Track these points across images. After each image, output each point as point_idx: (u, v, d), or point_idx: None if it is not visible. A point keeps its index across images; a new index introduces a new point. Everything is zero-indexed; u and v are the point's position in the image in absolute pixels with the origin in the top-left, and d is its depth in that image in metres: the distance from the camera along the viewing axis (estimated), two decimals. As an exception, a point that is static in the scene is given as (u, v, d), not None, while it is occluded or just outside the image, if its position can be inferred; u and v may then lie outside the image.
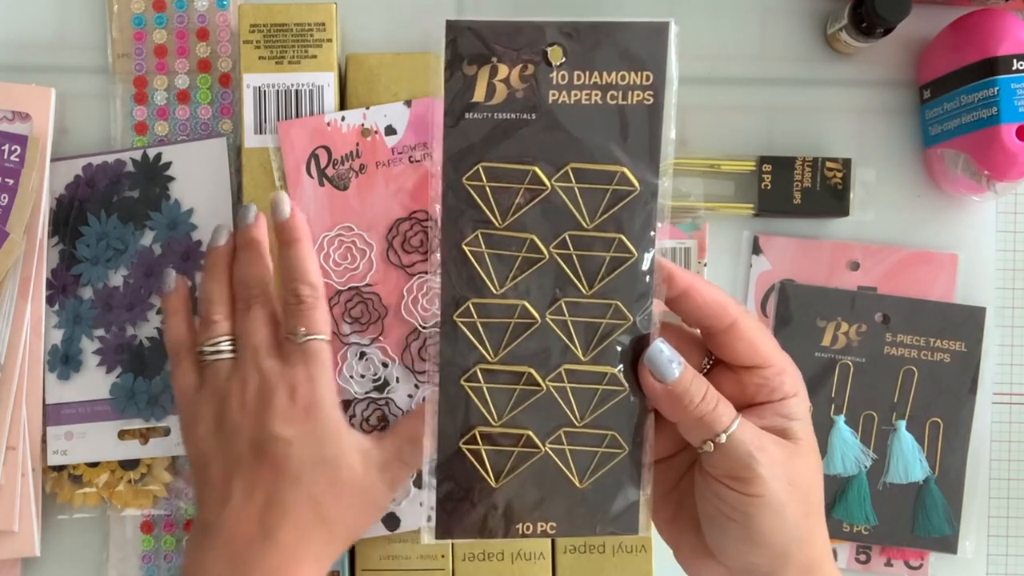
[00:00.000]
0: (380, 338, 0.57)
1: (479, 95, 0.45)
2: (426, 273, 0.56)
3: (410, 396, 0.56)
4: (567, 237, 0.46)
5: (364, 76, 0.59)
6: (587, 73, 0.45)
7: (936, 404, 0.63)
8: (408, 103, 0.57)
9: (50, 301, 0.61)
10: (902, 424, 0.63)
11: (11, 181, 0.60)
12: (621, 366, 0.47)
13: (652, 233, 0.46)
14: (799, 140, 0.64)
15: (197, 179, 0.61)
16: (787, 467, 0.45)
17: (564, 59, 0.45)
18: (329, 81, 0.58)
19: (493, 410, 0.47)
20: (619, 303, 0.47)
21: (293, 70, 0.58)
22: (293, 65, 0.58)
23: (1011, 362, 0.64)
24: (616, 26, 0.45)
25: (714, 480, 0.45)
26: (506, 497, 0.47)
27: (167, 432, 0.61)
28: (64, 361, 0.61)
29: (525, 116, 0.46)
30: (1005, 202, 0.65)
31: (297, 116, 0.59)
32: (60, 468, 0.61)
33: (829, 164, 0.63)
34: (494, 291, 0.47)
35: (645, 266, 0.46)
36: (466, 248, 0.46)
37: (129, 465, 0.61)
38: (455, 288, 0.47)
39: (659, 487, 0.49)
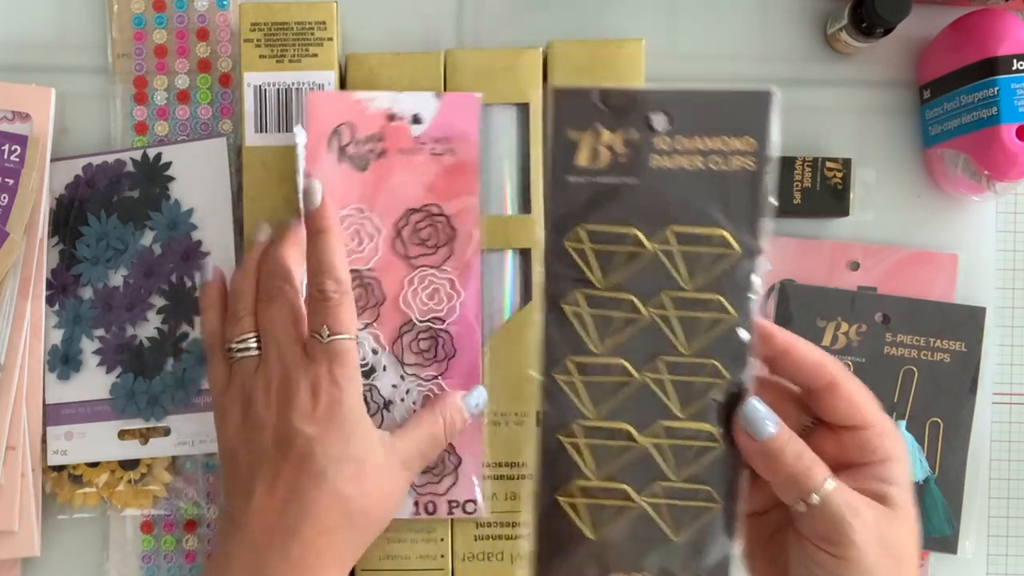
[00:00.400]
0: (374, 324, 0.56)
1: (582, 159, 0.47)
2: (429, 267, 0.56)
3: (394, 386, 0.56)
4: (666, 297, 0.47)
5: (364, 76, 0.59)
6: (690, 139, 0.47)
7: (936, 404, 0.63)
8: (439, 95, 0.57)
9: (50, 301, 0.61)
10: (902, 424, 0.63)
11: (11, 181, 0.60)
12: (717, 423, 0.48)
13: (750, 294, 0.47)
14: (799, 140, 0.64)
15: (197, 179, 0.61)
16: (881, 532, 0.44)
17: (668, 125, 0.46)
18: (330, 80, 0.58)
19: (590, 464, 0.48)
20: (716, 362, 0.47)
21: (294, 69, 0.58)
22: (294, 64, 0.58)
23: (1011, 362, 0.64)
24: (720, 94, 0.47)
25: (806, 541, 0.45)
26: (602, 549, 0.48)
27: (167, 432, 0.61)
28: (64, 361, 0.61)
29: (627, 180, 0.47)
30: (1005, 202, 0.65)
31: (297, 115, 0.58)
32: (60, 468, 0.61)
33: (829, 164, 0.63)
34: (593, 350, 0.48)
35: (743, 326, 0.47)
36: (566, 307, 0.48)
37: (129, 465, 0.61)
38: (555, 346, 0.48)
39: (752, 541, 0.49)
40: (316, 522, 0.49)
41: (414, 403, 0.56)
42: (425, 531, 0.58)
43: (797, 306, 0.63)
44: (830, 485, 0.44)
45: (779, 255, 0.64)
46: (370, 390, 0.56)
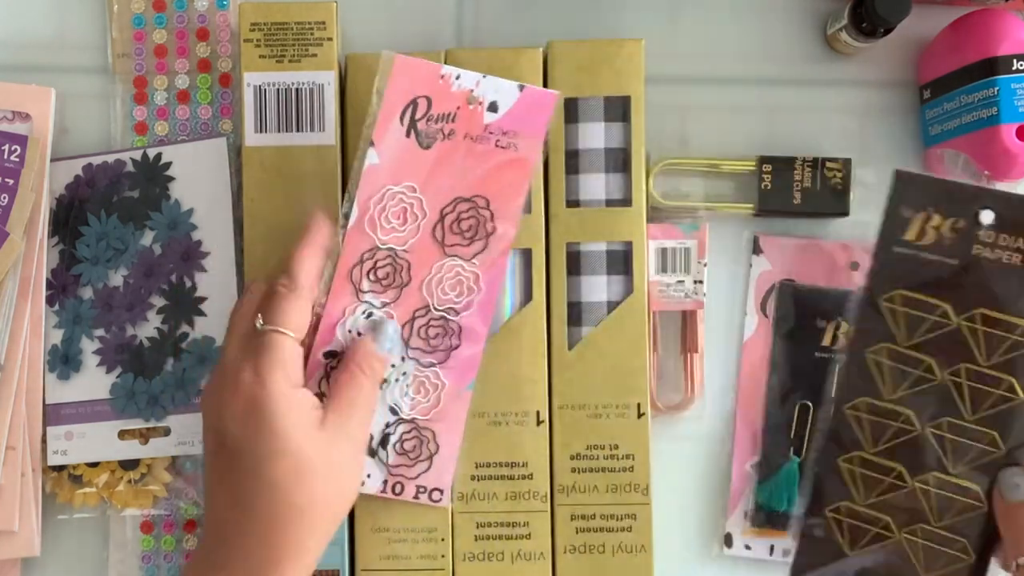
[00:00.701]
0: (392, 304, 0.56)
1: (911, 235, 0.55)
2: (460, 258, 0.55)
3: (393, 366, 0.56)
4: (962, 368, 0.54)
5: (364, 76, 0.59)
6: (1012, 238, 0.54)
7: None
8: (522, 87, 0.55)
9: (50, 301, 0.61)
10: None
11: (11, 181, 0.60)
12: (984, 487, 0.55)
13: None
14: (799, 140, 0.64)
15: (197, 179, 0.61)
16: None
17: (993, 222, 0.54)
18: (330, 80, 0.58)
19: (861, 491, 0.56)
20: (996, 434, 0.54)
21: (294, 68, 0.58)
22: (294, 64, 0.58)
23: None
24: None
25: None
26: (856, 565, 0.56)
27: (167, 432, 0.61)
28: (64, 361, 0.61)
29: (948, 261, 0.54)
30: (1005, 202, 0.65)
31: (297, 115, 0.58)
32: (60, 468, 0.61)
33: (829, 164, 0.63)
34: (885, 396, 0.55)
35: None
36: (869, 355, 0.56)
37: (129, 465, 0.61)
38: (852, 384, 0.56)
39: None
40: (261, 520, 0.49)
41: (408, 386, 0.56)
42: (425, 531, 0.58)
43: (797, 306, 0.63)
44: None
45: (779, 255, 0.64)
46: None
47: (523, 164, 0.55)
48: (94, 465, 0.61)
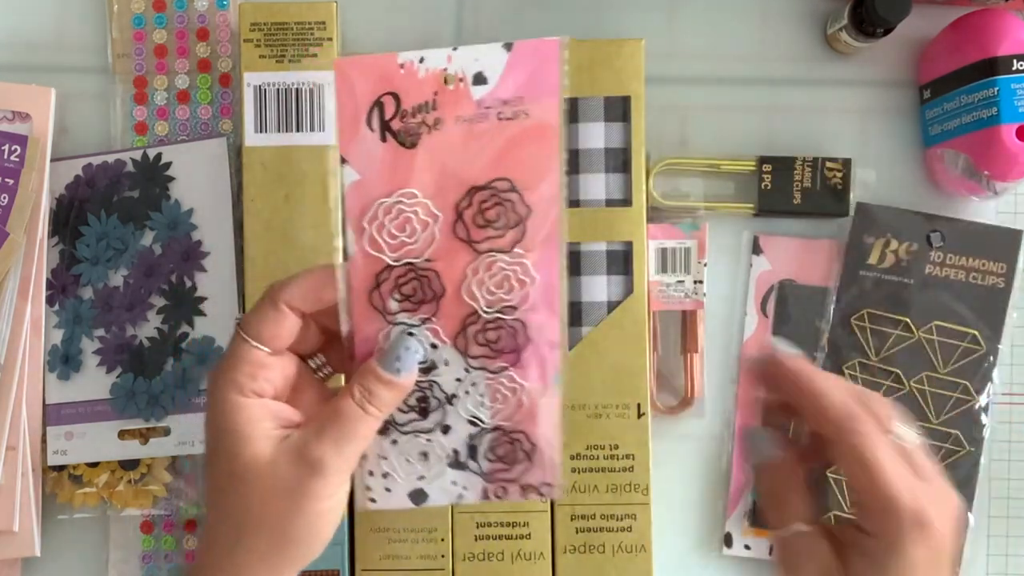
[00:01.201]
0: (433, 319, 0.49)
1: (873, 259, 0.62)
2: (497, 251, 0.48)
3: (458, 380, 0.50)
4: (924, 376, 0.62)
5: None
6: (957, 256, 0.62)
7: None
8: (508, 45, 0.47)
9: (50, 301, 0.61)
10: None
11: (11, 181, 0.60)
12: (953, 484, 0.57)
13: (989, 384, 0.62)
14: (799, 140, 0.64)
15: (197, 179, 0.61)
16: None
17: (941, 243, 0.62)
18: (329, 80, 0.58)
19: (847, 500, 0.61)
20: (959, 433, 0.62)
21: (294, 68, 0.58)
22: (294, 64, 0.58)
23: (1011, 363, 0.64)
24: (982, 227, 0.63)
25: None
26: None
27: (167, 432, 0.61)
28: (64, 361, 0.61)
29: (905, 280, 0.62)
30: (1005, 202, 0.65)
31: (297, 115, 0.58)
32: (60, 468, 0.61)
33: (829, 164, 0.63)
34: None
35: (980, 408, 0.62)
36: (846, 370, 0.62)
37: (129, 465, 0.61)
38: None
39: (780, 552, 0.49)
40: (215, 544, 0.46)
41: (481, 395, 0.50)
42: (425, 531, 0.58)
43: (797, 306, 0.63)
44: (795, 529, 0.46)
45: (779, 255, 0.64)
46: (430, 386, 0.50)
47: (542, 130, 0.48)
48: (94, 465, 0.61)
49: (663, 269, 0.62)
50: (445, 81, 0.47)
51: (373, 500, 0.51)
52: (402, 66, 0.47)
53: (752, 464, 0.49)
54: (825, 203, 0.63)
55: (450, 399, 0.50)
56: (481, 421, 0.50)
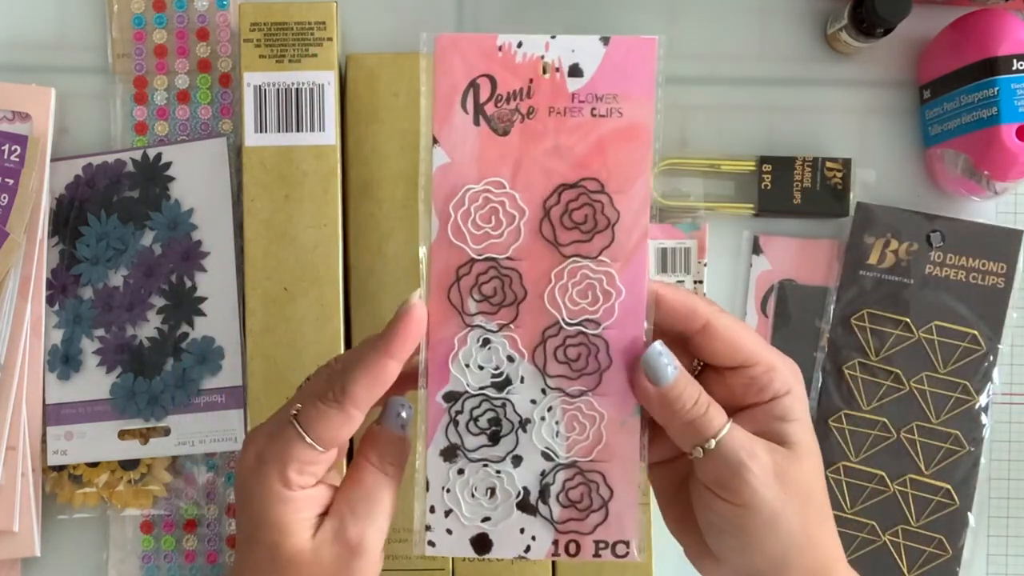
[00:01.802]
0: (511, 325, 0.46)
1: (873, 259, 0.62)
2: (583, 257, 0.46)
3: (533, 401, 0.46)
4: (924, 376, 0.62)
5: (364, 76, 0.59)
6: (957, 256, 0.62)
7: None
8: (606, 40, 0.45)
9: (50, 301, 0.61)
10: (902, 424, 0.64)
11: (11, 181, 0.60)
12: (953, 483, 0.61)
13: (989, 384, 0.62)
14: (799, 140, 0.64)
15: (197, 179, 0.61)
16: (780, 475, 0.43)
17: (941, 243, 0.62)
18: (329, 80, 0.58)
19: (847, 500, 0.62)
20: (959, 434, 0.62)
21: (294, 68, 0.58)
22: (294, 64, 0.58)
23: (1011, 363, 0.64)
24: (982, 227, 0.63)
25: (706, 490, 0.44)
26: None
27: (167, 432, 0.61)
28: (64, 361, 0.61)
29: (905, 280, 0.62)
30: (1005, 202, 0.65)
31: (297, 115, 0.58)
32: (60, 468, 0.61)
33: (829, 164, 0.63)
34: (862, 407, 0.62)
35: (980, 408, 0.62)
36: (846, 370, 0.62)
37: (129, 465, 0.61)
38: (832, 399, 0.62)
39: (666, 488, 0.48)
40: None
41: (557, 423, 0.46)
42: (425, 531, 0.58)
43: (797, 306, 0.63)
44: (726, 430, 0.43)
45: (779, 255, 0.64)
46: (504, 406, 0.47)
47: (635, 131, 0.45)
48: (94, 465, 0.61)
49: (663, 269, 0.62)
50: (543, 70, 0.45)
51: (432, 544, 0.47)
52: (500, 48, 0.45)
53: (660, 385, 0.44)
54: (825, 203, 0.63)
55: (523, 424, 0.47)
56: (556, 454, 0.47)
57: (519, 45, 0.45)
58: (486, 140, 0.46)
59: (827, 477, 0.59)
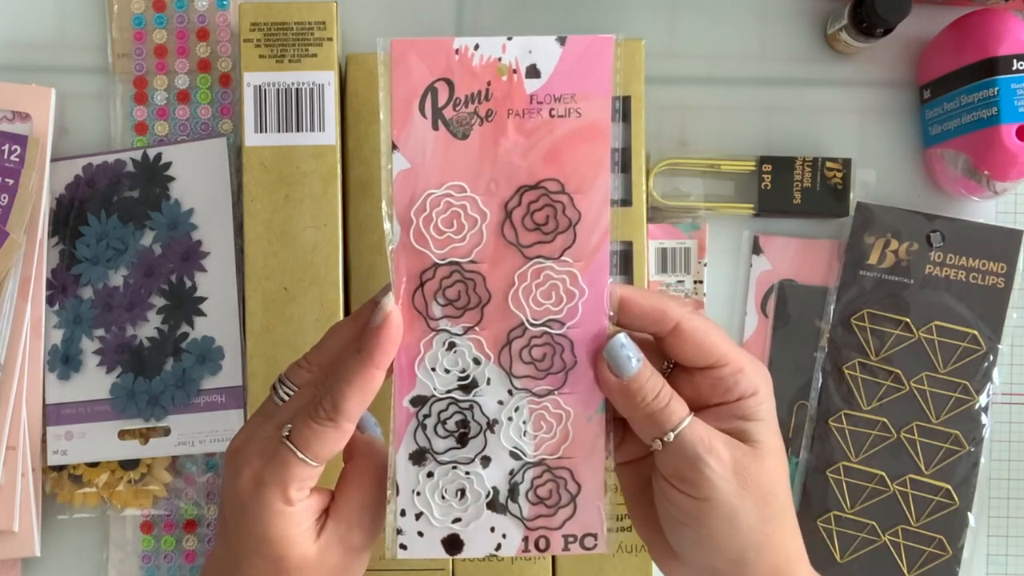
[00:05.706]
0: (476, 328, 0.47)
1: (873, 259, 0.62)
2: (546, 258, 0.46)
3: (500, 403, 0.47)
4: (924, 376, 0.62)
5: (364, 76, 0.59)
6: (957, 256, 0.62)
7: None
8: (562, 40, 0.45)
9: (50, 301, 0.61)
10: (902, 424, 0.64)
11: (11, 181, 0.60)
12: (953, 483, 0.61)
13: (989, 384, 0.62)
14: (799, 140, 0.64)
15: (197, 179, 0.61)
16: (739, 471, 0.43)
17: (941, 243, 0.62)
18: (330, 80, 0.58)
19: (847, 500, 0.62)
20: (959, 433, 0.62)
21: (294, 68, 0.58)
22: (294, 64, 0.58)
23: (1011, 363, 0.64)
24: (982, 227, 0.63)
25: (666, 482, 0.44)
26: (848, 573, 0.62)
27: (167, 432, 0.61)
28: (64, 361, 0.61)
29: (905, 280, 0.62)
30: (1005, 202, 0.65)
31: (297, 115, 0.58)
32: (60, 468, 0.61)
33: (829, 164, 0.63)
34: (862, 407, 0.62)
35: (980, 408, 0.62)
36: (846, 370, 0.62)
37: (129, 465, 0.61)
38: (832, 399, 0.62)
39: (633, 486, 0.48)
40: None
41: (524, 422, 0.47)
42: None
43: (797, 306, 0.63)
44: (686, 423, 0.44)
45: (779, 255, 0.64)
46: (471, 407, 0.47)
47: (594, 131, 0.46)
48: (94, 465, 0.61)
49: (663, 269, 0.62)
50: (501, 72, 0.46)
51: (404, 547, 0.48)
52: (457, 51, 0.46)
53: (623, 376, 0.45)
54: (825, 203, 0.63)
55: (491, 425, 0.47)
56: (524, 453, 0.47)
57: (476, 48, 0.45)
58: (446, 144, 0.46)
59: (827, 477, 0.61)
